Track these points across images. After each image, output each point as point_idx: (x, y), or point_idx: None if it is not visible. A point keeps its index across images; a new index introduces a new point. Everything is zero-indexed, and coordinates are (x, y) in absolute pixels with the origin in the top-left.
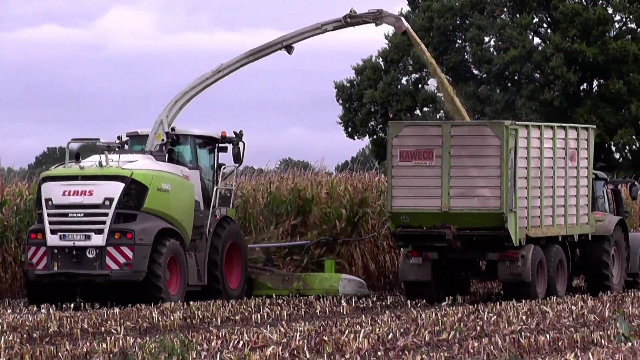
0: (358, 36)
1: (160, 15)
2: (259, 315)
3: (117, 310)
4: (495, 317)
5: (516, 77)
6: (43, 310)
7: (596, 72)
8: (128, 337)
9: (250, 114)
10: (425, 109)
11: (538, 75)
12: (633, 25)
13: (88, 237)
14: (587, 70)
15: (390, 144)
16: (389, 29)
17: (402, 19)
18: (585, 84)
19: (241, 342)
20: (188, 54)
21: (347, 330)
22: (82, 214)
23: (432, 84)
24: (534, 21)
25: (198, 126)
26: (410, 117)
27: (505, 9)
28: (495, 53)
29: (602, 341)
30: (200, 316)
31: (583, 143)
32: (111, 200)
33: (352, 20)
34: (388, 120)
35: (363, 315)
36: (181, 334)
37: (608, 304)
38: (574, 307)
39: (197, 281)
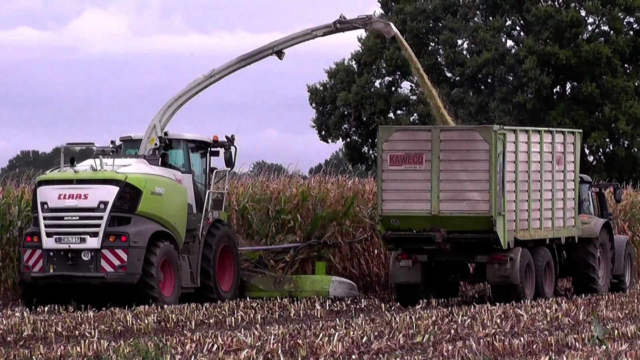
0: (331, 40)
1: (132, 18)
2: (233, 318)
3: (91, 313)
4: (469, 320)
5: (489, 80)
6: (17, 314)
7: (569, 75)
8: (102, 341)
9: (223, 117)
10: (398, 111)
11: (511, 78)
12: (606, 28)
13: (83, 240)
14: (560, 72)
15: (381, 149)
16: (361, 33)
17: (391, 24)
18: (558, 87)
19: (215, 346)
20: (161, 56)
21: (321, 334)
22: (78, 217)
23: (405, 87)
24: (507, 24)
25: (173, 129)
26: (383, 120)
27: (478, 12)
28: (468, 56)
29: (577, 344)
30: (175, 320)
31: (569, 147)
32: (106, 203)
33: (342, 25)
34: (361, 123)
35: (337, 319)
36: (155, 338)
37: (582, 307)
38: (548, 310)
39: (190, 283)
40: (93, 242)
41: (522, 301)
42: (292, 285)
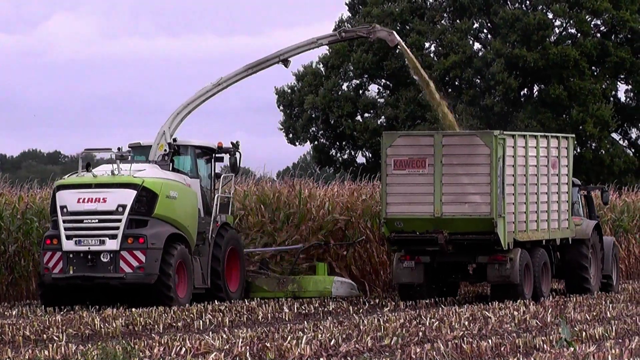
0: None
1: (102, 21)
2: (201, 321)
3: (59, 317)
4: (437, 322)
5: (457, 83)
6: None
7: (537, 77)
8: (70, 344)
9: (192, 120)
10: (366, 114)
11: (479, 81)
12: (573, 31)
13: (102, 242)
14: (527, 75)
15: (385, 153)
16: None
17: (394, 33)
18: (525, 89)
19: (183, 349)
20: (131, 59)
21: (289, 337)
22: (97, 220)
23: (372, 90)
24: (474, 26)
25: (145, 135)
26: (351, 122)
27: (445, 15)
28: (435, 58)
29: (545, 346)
30: (143, 323)
31: (563, 152)
32: (124, 206)
33: (346, 34)
34: (329, 126)
35: (305, 321)
36: (123, 341)
37: (550, 309)
38: (516, 313)
39: (201, 284)
40: (112, 244)
41: (489, 304)
42: (295, 285)
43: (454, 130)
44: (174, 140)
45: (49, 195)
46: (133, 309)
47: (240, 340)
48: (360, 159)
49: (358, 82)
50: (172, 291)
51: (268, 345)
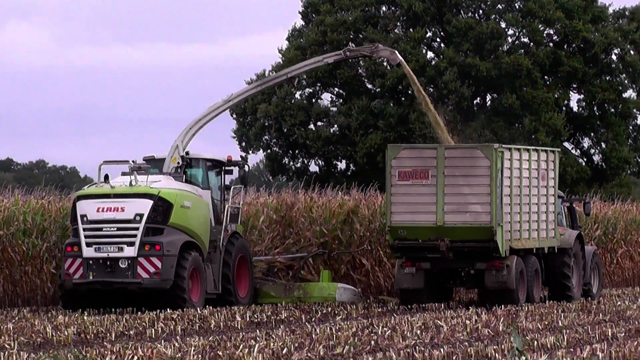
0: (251, 50)
1: (57, 30)
2: (153, 330)
3: (10, 325)
4: (389, 331)
5: (410, 91)
6: None
7: (489, 87)
8: (22, 352)
9: (145, 129)
10: (319, 123)
11: (432, 90)
12: (526, 40)
13: (121, 249)
14: (480, 84)
15: (390, 165)
16: (282, 44)
17: (396, 52)
18: (478, 98)
19: (135, 357)
20: (86, 68)
21: (241, 345)
22: (115, 228)
23: (325, 98)
24: (427, 35)
25: (100, 144)
26: (304, 131)
27: (398, 23)
28: (388, 67)
29: (497, 355)
30: (95, 331)
31: (551, 164)
32: (141, 215)
33: (350, 53)
34: (282, 134)
35: (257, 330)
36: (75, 349)
37: (502, 318)
38: (468, 322)
39: (213, 290)
40: (130, 251)
41: (442, 312)
42: (301, 292)
43: (448, 143)
44: (187, 153)
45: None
46: (85, 317)
47: (193, 348)
48: (313, 167)
49: (311, 90)
50: (186, 295)
51: (220, 353)
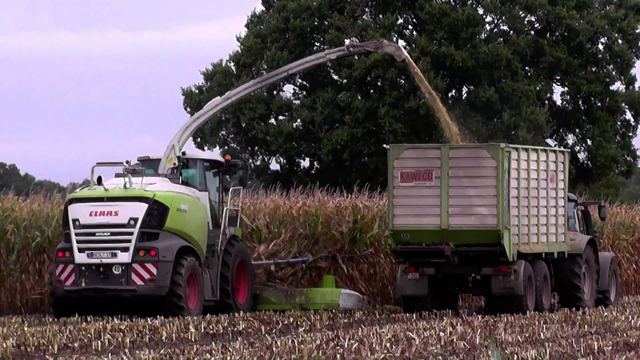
0: (207, 39)
1: None
2: (99, 342)
3: None
4: (357, 344)
5: (379, 83)
6: None
7: (466, 78)
8: None
9: (93, 121)
10: (280, 117)
11: (403, 81)
12: (505, 28)
13: (114, 255)
14: (455, 75)
15: (392, 166)
16: (241, 31)
17: (402, 48)
18: (454, 91)
19: None
20: (27, 55)
21: (195, 359)
22: (109, 233)
23: (287, 90)
24: (398, 22)
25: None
26: (264, 126)
27: (366, 9)
28: (356, 57)
29: None
30: (36, 343)
31: (560, 166)
32: (136, 220)
33: (354, 49)
34: (240, 129)
35: (213, 342)
36: None
37: (479, 330)
38: (442, 334)
39: (211, 296)
40: (124, 257)
41: (413, 324)
42: (303, 298)
43: (457, 142)
44: (183, 153)
45: None
46: (25, 328)
47: None
48: (275, 165)
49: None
50: (183, 302)
51: None
